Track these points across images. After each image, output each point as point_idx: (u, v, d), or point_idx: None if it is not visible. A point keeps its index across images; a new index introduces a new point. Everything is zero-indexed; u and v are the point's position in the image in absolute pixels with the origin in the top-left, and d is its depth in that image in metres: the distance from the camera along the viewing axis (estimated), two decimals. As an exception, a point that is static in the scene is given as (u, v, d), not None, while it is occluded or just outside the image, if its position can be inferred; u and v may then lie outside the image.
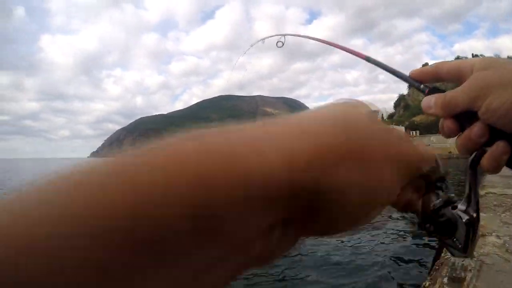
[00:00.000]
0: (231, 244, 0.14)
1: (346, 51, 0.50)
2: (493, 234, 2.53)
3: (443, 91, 0.35)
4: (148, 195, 0.12)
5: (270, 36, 0.77)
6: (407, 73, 0.40)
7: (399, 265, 4.29)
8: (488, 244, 2.29)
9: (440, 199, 0.34)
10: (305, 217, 0.16)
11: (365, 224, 0.20)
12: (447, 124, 0.34)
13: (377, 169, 0.18)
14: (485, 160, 0.32)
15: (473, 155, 0.33)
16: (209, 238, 0.13)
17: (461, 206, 0.32)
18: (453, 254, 0.33)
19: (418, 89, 0.38)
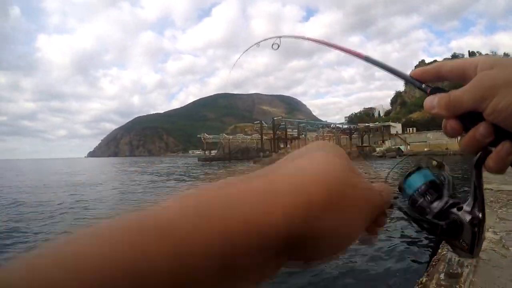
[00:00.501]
0: (243, 275, 0.20)
1: (345, 51, 0.48)
2: (490, 230, 2.55)
3: (446, 91, 0.34)
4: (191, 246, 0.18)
5: (265, 39, 0.74)
6: (406, 71, 0.39)
7: (396, 261, 4.32)
8: (484, 240, 2.31)
9: (445, 201, 0.33)
10: (293, 252, 0.23)
11: (342, 254, 0.26)
12: (451, 124, 0.33)
13: (351, 217, 0.24)
14: (490, 161, 0.31)
15: (477, 155, 0.32)
16: (230, 272, 0.19)
17: (466, 207, 0.32)
18: (459, 255, 0.33)
19: (420, 88, 0.37)
